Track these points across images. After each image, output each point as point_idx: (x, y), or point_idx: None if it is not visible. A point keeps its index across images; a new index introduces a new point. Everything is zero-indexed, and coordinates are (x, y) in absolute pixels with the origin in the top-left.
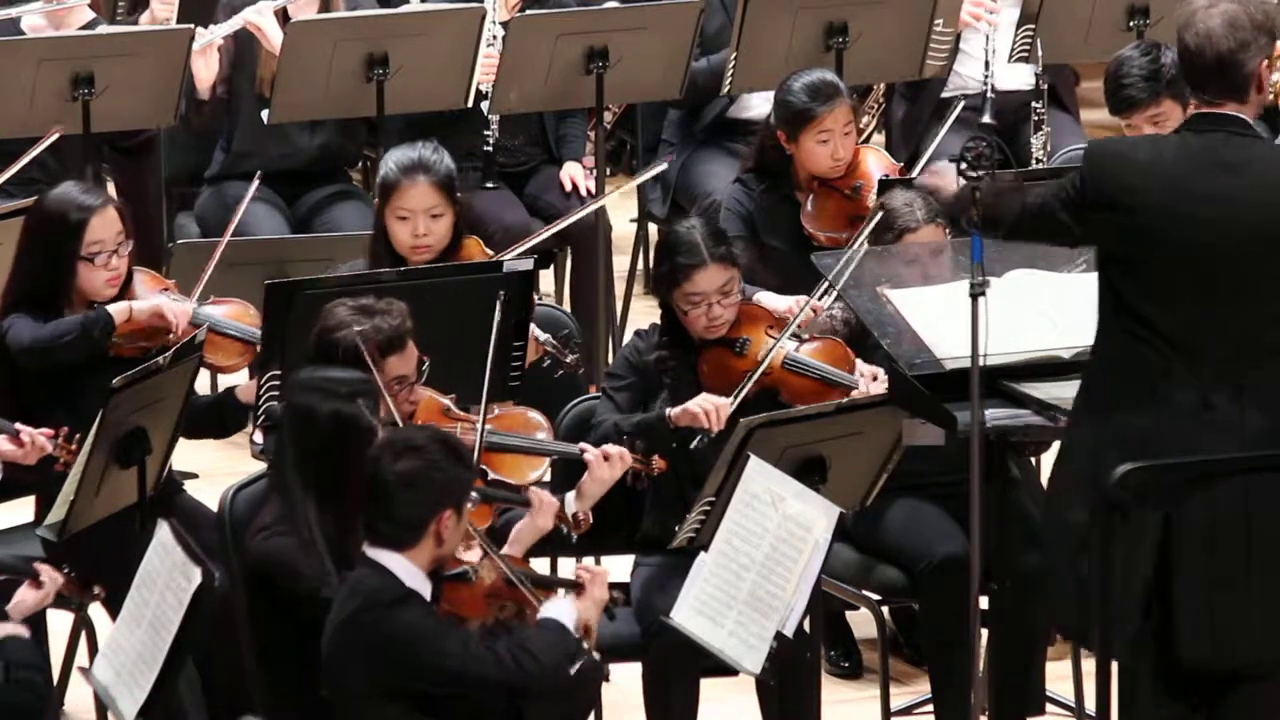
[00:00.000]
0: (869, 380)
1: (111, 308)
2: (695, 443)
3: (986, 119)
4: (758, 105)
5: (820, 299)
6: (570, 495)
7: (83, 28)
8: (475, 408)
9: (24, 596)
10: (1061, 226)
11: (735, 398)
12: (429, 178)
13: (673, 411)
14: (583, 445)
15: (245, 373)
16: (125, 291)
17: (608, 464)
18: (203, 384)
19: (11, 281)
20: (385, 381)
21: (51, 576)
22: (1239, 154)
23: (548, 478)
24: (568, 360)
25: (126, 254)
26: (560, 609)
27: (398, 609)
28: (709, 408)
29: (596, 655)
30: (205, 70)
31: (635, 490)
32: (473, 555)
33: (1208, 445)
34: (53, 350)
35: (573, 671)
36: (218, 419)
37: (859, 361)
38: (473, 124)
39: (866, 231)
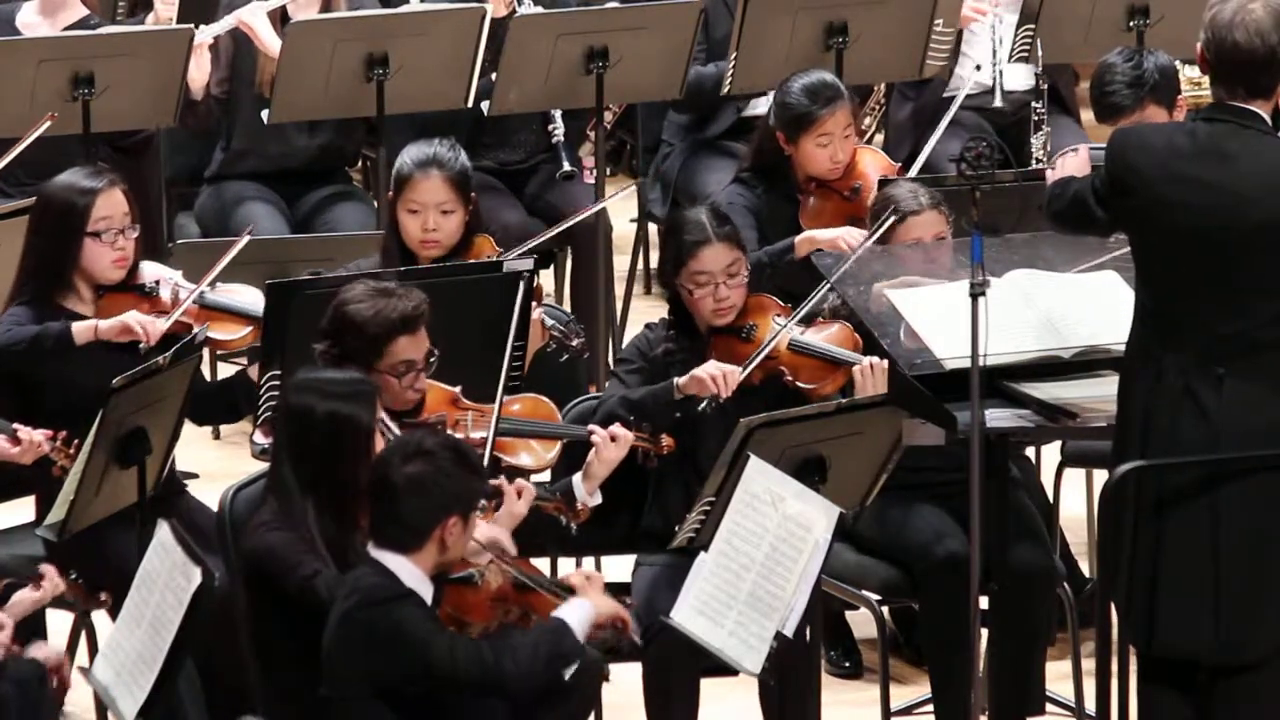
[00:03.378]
0: (867, 368)
1: (76, 325)
2: (703, 405)
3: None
4: (765, 104)
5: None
6: (577, 477)
7: (78, 25)
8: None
9: (23, 597)
10: (1091, 213)
11: (745, 368)
12: (442, 173)
13: (680, 380)
14: (591, 427)
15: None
16: (132, 276)
17: (614, 444)
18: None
19: (20, 269)
20: (391, 364)
21: (54, 579)
22: (1241, 145)
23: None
24: (573, 344)
25: (134, 237)
26: (574, 609)
27: (392, 606)
28: (717, 373)
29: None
30: (196, 70)
31: (641, 479)
32: (480, 558)
33: (1187, 433)
34: (3, 356)
35: (566, 676)
36: (229, 402)
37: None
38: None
39: (875, 236)
